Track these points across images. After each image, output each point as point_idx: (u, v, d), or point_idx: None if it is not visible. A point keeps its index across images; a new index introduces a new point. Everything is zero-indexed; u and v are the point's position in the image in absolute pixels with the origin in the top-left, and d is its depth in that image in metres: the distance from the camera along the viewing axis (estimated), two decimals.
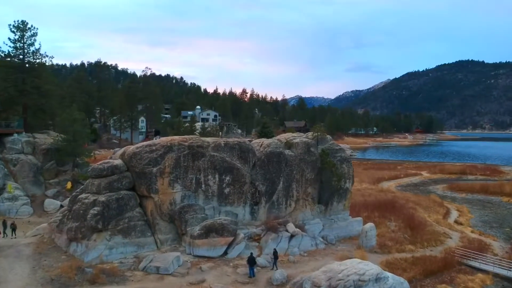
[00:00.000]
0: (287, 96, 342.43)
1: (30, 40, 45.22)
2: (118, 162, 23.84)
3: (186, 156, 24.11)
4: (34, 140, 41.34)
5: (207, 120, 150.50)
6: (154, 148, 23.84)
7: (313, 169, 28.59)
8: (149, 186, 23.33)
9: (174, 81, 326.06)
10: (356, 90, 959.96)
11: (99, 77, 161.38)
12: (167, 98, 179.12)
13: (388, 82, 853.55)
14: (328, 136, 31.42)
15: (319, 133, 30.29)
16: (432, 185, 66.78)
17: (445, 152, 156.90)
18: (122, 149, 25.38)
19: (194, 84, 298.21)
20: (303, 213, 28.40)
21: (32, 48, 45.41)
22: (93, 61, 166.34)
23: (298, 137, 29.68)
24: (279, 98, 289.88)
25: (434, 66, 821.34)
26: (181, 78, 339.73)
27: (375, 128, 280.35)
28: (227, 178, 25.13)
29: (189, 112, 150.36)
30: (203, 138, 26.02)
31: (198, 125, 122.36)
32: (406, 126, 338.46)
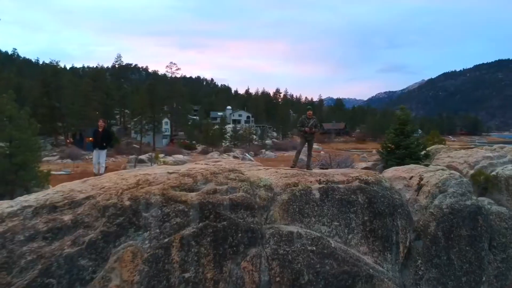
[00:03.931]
0: (317, 98, 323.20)
1: None
2: None
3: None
4: None
5: (239, 121, 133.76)
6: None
7: None
8: None
9: (204, 83, 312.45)
10: (390, 91, 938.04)
11: (119, 76, 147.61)
12: (196, 99, 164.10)
13: (423, 82, 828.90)
14: None
15: None
16: None
17: None
18: None
19: (225, 85, 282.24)
20: None
21: None
22: (124, 64, 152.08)
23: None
24: (312, 99, 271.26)
25: (472, 65, 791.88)
26: (212, 79, 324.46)
27: (419, 130, 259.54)
28: None
29: (219, 113, 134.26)
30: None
31: (229, 127, 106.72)
32: (449, 128, 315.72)
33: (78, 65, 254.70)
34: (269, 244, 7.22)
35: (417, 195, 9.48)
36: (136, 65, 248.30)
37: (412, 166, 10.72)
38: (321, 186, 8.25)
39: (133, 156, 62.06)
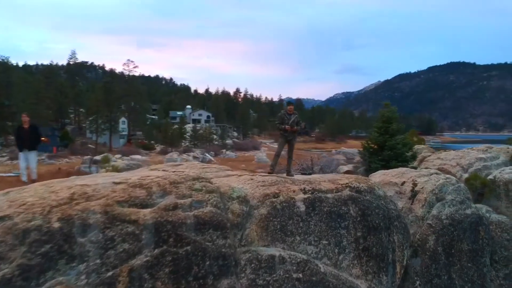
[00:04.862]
0: (277, 98, 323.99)
1: None
2: None
3: None
4: None
5: (198, 121, 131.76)
6: None
7: None
8: None
9: (163, 82, 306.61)
10: (347, 92, 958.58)
11: (74, 74, 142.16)
12: (154, 98, 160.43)
13: (379, 83, 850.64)
14: None
15: None
16: None
17: None
18: None
19: (184, 84, 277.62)
20: None
21: None
22: (79, 61, 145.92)
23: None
24: (272, 99, 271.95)
25: (425, 67, 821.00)
26: (171, 79, 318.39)
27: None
28: None
29: (178, 113, 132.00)
30: None
31: (189, 127, 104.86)
32: (405, 128, 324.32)
33: (32, 62, 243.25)
34: (245, 273, 5.66)
35: (411, 204, 8.19)
36: (92, 63, 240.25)
37: (402, 169, 9.40)
38: (306, 196, 6.75)
39: (88, 156, 58.77)
